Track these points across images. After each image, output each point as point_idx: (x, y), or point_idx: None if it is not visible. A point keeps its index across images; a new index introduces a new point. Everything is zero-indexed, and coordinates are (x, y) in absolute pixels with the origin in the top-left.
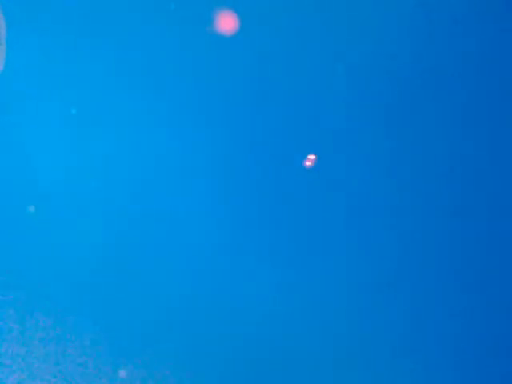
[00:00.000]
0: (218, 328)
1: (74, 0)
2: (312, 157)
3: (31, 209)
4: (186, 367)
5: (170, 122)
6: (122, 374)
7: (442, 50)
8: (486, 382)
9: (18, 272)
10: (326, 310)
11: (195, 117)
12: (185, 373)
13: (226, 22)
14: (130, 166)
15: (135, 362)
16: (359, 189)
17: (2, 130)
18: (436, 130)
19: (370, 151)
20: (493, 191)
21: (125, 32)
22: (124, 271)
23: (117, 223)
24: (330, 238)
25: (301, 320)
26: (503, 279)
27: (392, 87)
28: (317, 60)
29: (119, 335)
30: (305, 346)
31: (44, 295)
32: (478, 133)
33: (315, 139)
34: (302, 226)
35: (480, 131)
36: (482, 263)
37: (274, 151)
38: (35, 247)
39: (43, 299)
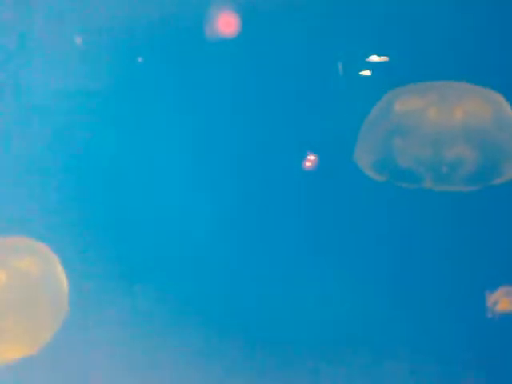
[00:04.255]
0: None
1: None
2: (312, 157)
3: None
4: None
5: (170, 123)
6: None
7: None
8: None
9: None
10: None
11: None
12: None
13: (226, 24)
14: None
15: None
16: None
17: None
18: None
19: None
20: None
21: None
22: None
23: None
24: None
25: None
26: None
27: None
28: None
29: None
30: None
31: None
32: None
33: (314, 140)
34: (301, 228)
35: None
36: None
37: (273, 152)
38: None
39: None
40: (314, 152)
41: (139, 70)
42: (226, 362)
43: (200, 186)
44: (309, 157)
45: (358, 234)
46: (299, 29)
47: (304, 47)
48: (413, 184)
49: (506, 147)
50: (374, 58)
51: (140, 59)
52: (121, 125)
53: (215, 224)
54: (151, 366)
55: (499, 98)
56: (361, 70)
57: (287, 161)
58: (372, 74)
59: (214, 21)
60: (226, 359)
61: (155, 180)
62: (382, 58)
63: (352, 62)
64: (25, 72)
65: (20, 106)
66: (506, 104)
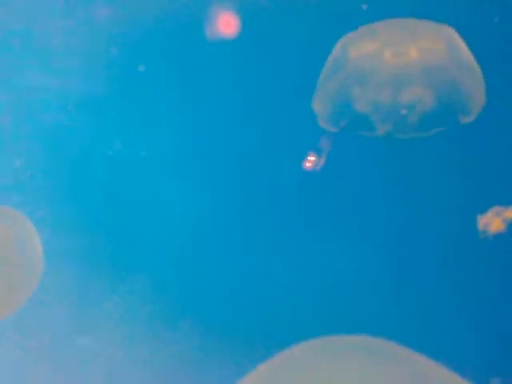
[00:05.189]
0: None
1: None
2: (312, 158)
3: None
4: None
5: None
6: None
7: None
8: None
9: None
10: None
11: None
12: None
13: (226, 24)
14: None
15: None
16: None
17: None
18: None
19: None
20: None
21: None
22: None
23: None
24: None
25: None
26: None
27: None
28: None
29: None
30: None
31: None
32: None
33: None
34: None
35: None
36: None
37: (273, 152)
38: None
39: None
40: (314, 152)
41: (139, 69)
42: (226, 361)
43: (200, 185)
44: (309, 157)
45: (358, 233)
46: (299, 29)
47: (304, 47)
48: (371, 131)
49: (464, 81)
50: None
51: (140, 62)
52: (121, 124)
53: (215, 224)
54: (149, 364)
55: (451, 31)
56: None
57: (287, 161)
58: None
59: (214, 21)
60: (226, 358)
61: (155, 180)
62: None
63: None
64: (24, 72)
65: (19, 105)
66: (458, 37)
